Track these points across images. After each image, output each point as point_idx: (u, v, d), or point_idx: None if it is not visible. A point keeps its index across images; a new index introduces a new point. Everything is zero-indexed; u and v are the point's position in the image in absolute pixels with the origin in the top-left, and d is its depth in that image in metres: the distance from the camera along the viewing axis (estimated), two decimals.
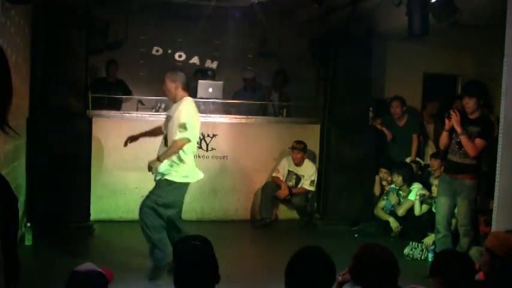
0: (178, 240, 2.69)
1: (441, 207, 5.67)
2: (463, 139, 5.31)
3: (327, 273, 2.55)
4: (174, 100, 5.10)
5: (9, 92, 1.73)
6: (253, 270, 5.42)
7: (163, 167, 5.00)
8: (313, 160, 7.49)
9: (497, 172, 4.42)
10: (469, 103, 5.38)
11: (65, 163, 6.29)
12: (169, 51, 8.60)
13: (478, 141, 5.30)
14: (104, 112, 7.04)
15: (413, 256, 5.96)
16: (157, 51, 7.68)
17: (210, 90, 7.29)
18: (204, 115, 7.23)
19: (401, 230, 6.62)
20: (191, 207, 7.13)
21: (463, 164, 5.43)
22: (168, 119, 5.07)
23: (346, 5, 6.87)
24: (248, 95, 8.09)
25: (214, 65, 8.24)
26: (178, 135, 4.89)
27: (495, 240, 3.07)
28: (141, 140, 6.99)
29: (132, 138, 5.51)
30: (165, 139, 5.08)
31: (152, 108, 7.66)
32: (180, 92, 5.08)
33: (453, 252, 3.13)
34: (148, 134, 5.55)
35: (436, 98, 7.99)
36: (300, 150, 7.21)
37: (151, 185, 7.04)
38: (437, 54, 8.17)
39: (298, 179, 7.33)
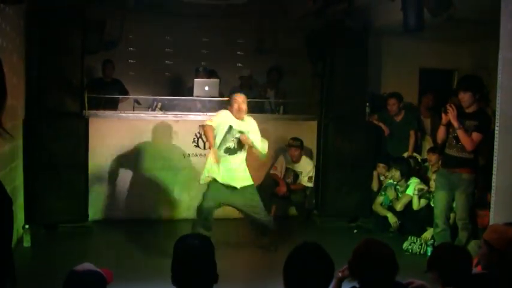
0: (178, 238, 2.69)
1: (439, 202, 5.68)
2: (460, 133, 5.32)
3: (324, 269, 2.54)
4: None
5: (4, 94, 1.72)
6: (252, 267, 5.42)
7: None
8: (310, 157, 7.49)
9: (494, 165, 4.43)
10: (464, 97, 5.39)
11: (62, 163, 6.28)
12: (166, 50, 8.60)
13: (475, 135, 5.31)
14: (100, 112, 7.02)
15: (412, 251, 5.98)
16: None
17: (207, 88, 7.29)
18: (201, 113, 7.24)
19: (400, 225, 6.63)
20: (190, 206, 7.11)
21: (460, 158, 5.44)
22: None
23: (341, 0, 6.86)
24: (244, 93, 8.06)
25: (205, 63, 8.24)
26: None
27: (493, 233, 3.07)
28: (139, 138, 7.03)
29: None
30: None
31: (149, 108, 7.64)
32: None
33: (451, 246, 3.14)
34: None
35: (430, 91, 8.00)
36: (296, 147, 7.21)
37: (148, 184, 7.09)
38: (433, 49, 8.17)
39: (296, 175, 7.33)
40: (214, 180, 5.58)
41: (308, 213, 7.45)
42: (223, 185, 5.59)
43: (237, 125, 5.61)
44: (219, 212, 7.21)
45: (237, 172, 5.65)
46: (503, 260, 2.94)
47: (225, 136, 5.56)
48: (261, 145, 5.76)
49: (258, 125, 5.92)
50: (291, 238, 6.13)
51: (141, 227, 6.79)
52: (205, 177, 5.63)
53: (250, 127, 5.70)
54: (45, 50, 6.27)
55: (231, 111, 5.65)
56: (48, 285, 4.44)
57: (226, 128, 5.56)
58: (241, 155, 5.68)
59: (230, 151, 5.59)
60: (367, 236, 5.55)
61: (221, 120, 5.60)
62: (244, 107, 5.62)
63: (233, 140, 5.59)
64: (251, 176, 5.80)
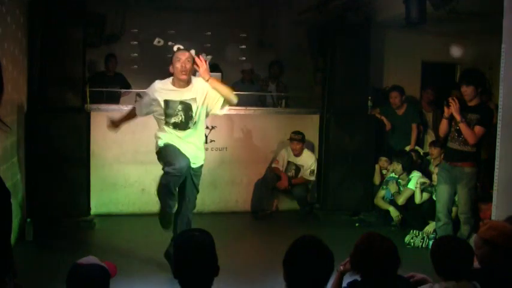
0: (179, 232, 2.69)
1: (441, 195, 5.68)
2: (463, 127, 5.31)
3: (324, 262, 2.55)
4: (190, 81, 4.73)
5: (1, 86, 1.71)
6: (254, 261, 5.43)
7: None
8: (312, 150, 7.49)
9: (497, 159, 4.42)
10: (467, 91, 5.39)
11: (64, 158, 6.28)
12: (170, 43, 8.57)
13: (478, 129, 5.30)
14: (102, 106, 7.02)
15: (414, 244, 5.98)
16: (158, 42, 7.56)
17: None
18: None
19: (402, 218, 6.64)
20: None
21: (462, 151, 5.43)
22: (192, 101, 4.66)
23: None
24: (246, 87, 8.08)
25: (208, 57, 8.22)
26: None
27: (492, 230, 2.99)
28: (141, 132, 7.02)
29: (114, 123, 5.19)
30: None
31: None
32: None
33: (452, 239, 3.12)
34: (127, 118, 5.21)
35: (430, 86, 7.99)
36: (298, 140, 7.20)
37: (151, 178, 7.08)
38: (435, 42, 8.14)
39: (298, 169, 7.33)
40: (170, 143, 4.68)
41: (310, 207, 7.45)
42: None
43: (177, 95, 4.66)
44: (219, 206, 7.28)
45: (189, 150, 4.69)
46: (509, 256, 2.90)
47: (165, 113, 4.64)
48: (227, 90, 4.74)
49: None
50: (293, 232, 6.13)
51: (143, 221, 6.80)
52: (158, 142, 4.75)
53: (197, 93, 4.67)
54: (47, 44, 6.26)
55: (173, 73, 4.66)
56: (50, 279, 4.46)
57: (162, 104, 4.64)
58: (195, 131, 4.72)
59: (179, 126, 4.66)
60: (369, 229, 5.55)
61: (154, 96, 4.68)
62: (189, 66, 4.56)
63: (178, 114, 4.64)
64: (205, 156, 4.93)
